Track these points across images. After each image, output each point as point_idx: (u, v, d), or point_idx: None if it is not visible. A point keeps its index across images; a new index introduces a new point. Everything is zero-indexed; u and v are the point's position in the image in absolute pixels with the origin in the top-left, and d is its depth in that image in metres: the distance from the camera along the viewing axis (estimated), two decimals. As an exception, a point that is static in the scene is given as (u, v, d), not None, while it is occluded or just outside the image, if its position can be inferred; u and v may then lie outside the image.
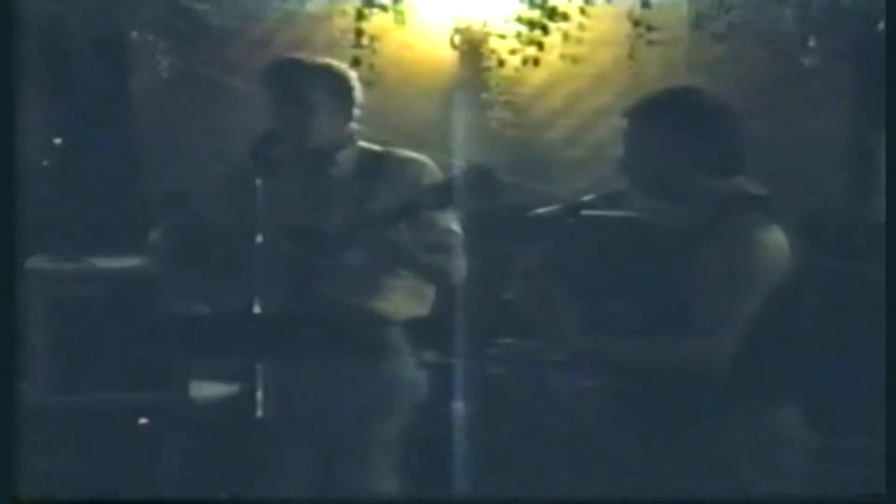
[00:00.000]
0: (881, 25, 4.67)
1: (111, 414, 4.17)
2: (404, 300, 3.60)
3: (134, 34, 5.83)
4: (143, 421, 4.15)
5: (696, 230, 2.91)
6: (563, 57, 5.65)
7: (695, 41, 5.48)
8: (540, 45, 5.64)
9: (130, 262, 4.22)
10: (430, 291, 3.62)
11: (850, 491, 3.37)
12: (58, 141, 4.67)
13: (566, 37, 5.62)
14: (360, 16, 5.73)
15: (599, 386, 3.11)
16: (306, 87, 3.55)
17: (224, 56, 5.88)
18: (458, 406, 3.44)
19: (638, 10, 5.55)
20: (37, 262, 4.37)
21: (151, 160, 5.88)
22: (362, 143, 3.65)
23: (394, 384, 3.61)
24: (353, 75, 3.65)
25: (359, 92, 3.63)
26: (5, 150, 3.06)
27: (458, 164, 3.40)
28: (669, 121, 2.96)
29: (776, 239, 2.88)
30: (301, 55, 3.77)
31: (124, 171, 5.82)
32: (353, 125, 3.62)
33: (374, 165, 3.61)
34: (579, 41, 5.62)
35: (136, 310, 4.05)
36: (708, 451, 2.86)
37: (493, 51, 5.70)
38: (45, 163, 5.22)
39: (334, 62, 3.65)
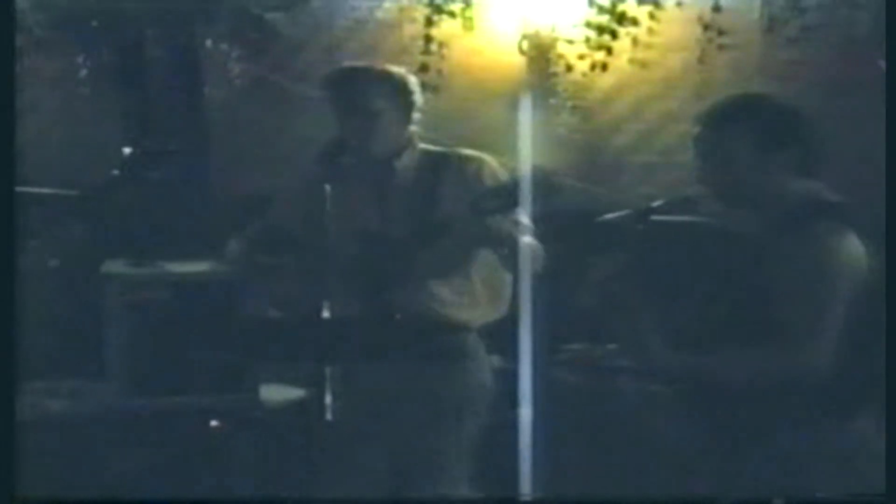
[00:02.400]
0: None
1: (185, 416, 4.20)
2: (472, 304, 3.59)
3: (208, 43, 5.89)
4: (214, 423, 4.19)
5: (772, 237, 2.88)
6: (631, 62, 5.64)
7: (767, 45, 5.46)
8: (608, 50, 5.63)
9: (203, 266, 4.28)
10: (497, 294, 3.61)
11: None
12: (127, 150, 4.72)
13: (635, 41, 5.61)
14: (428, 22, 5.76)
15: (672, 391, 3.07)
16: (369, 95, 3.56)
17: (294, 63, 5.93)
18: (526, 411, 3.44)
19: (709, 14, 5.52)
20: (114, 266, 4.43)
21: (224, 167, 5.94)
22: (423, 146, 3.66)
23: (463, 388, 3.60)
24: (413, 80, 3.66)
25: (419, 96, 3.64)
26: (5, 150, 2.97)
27: (525, 168, 3.40)
28: (745, 127, 2.94)
29: (854, 246, 2.85)
30: (362, 63, 3.80)
31: (198, 178, 5.88)
32: (414, 128, 3.63)
33: (436, 166, 3.62)
34: (648, 46, 5.61)
35: (211, 314, 4.09)
36: (789, 458, 2.82)
37: (560, 56, 5.70)
38: (115, 172, 5.30)
39: (395, 68, 3.66)
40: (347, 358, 3.39)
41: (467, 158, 3.61)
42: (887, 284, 2.79)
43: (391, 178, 3.59)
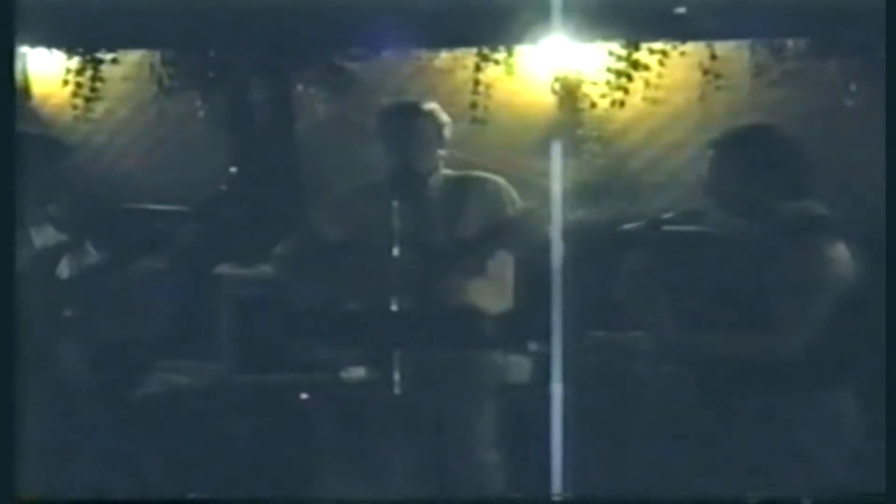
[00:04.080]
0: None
1: (279, 390, 4.21)
2: (490, 295, 3.54)
3: (299, 87, 5.96)
4: (304, 396, 4.18)
5: (769, 245, 2.85)
6: (644, 99, 5.61)
7: (755, 86, 5.41)
8: (625, 91, 5.61)
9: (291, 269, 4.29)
10: (506, 287, 3.57)
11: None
12: (233, 169, 4.77)
13: (647, 83, 5.59)
14: (477, 68, 5.77)
15: (683, 373, 3.04)
16: (411, 126, 3.55)
17: (368, 103, 5.94)
18: (557, 388, 3.40)
19: (707, 61, 5.50)
20: (223, 268, 4.46)
21: (310, 185, 5.98)
22: (445, 170, 3.61)
23: (497, 367, 3.58)
24: (445, 115, 3.63)
25: (449, 128, 3.61)
26: (5, 153, 2.78)
27: (557, 186, 3.39)
28: (749, 151, 2.93)
29: (840, 253, 2.82)
30: (408, 99, 3.80)
31: (289, 195, 5.92)
32: (442, 153, 3.60)
33: (459, 185, 3.59)
34: (658, 87, 5.59)
35: (300, 307, 4.02)
36: (781, 427, 2.79)
37: (586, 95, 5.70)
38: (224, 188, 5.35)
39: (433, 104, 3.63)
40: (404, 343, 3.39)
41: (483, 180, 3.59)
42: (887, 284, 2.75)
43: (427, 193, 3.55)
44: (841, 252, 2.84)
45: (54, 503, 3.34)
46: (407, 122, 3.56)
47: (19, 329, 3.05)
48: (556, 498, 3.20)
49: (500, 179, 3.59)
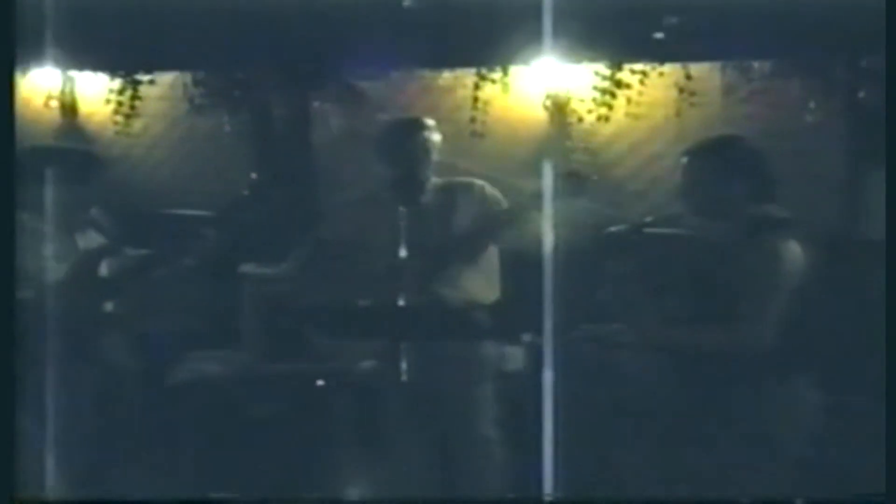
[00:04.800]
0: (861, 94, 4.61)
1: (298, 377, 4.19)
2: (480, 288, 3.52)
3: (315, 104, 5.96)
4: (320, 383, 4.17)
5: (736, 245, 2.85)
6: (626, 115, 5.63)
7: (725, 103, 5.44)
8: (609, 107, 5.64)
9: (308, 267, 4.27)
10: (493, 280, 3.54)
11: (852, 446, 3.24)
12: (254, 176, 4.79)
13: (629, 100, 5.60)
14: (476, 87, 5.79)
15: (660, 362, 3.04)
16: (412, 139, 3.52)
17: (377, 117, 5.93)
18: (548, 375, 3.41)
19: (683, 81, 5.52)
20: (247, 268, 4.44)
21: (325, 191, 5.98)
22: (435, 179, 3.58)
23: (494, 356, 3.56)
24: (436, 129, 3.58)
25: (439, 140, 3.56)
26: (6, 154, 2.63)
27: (548, 192, 3.39)
28: (719, 161, 2.92)
29: (795, 252, 2.83)
30: (407, 115, 3.80)
31: (305, 200, 5.92)
32: (432, 165, 3.57)
33: (448, 191, 3.57)
34: (638, 104, 5.60)
35: (316, 303, 3.98)
36: (745, 408, 2.80)
37: (574, 111, 5.71)
38: (246, 192, 5.39)
39: (428, 120, 3.60)
40: (408, 335, 3.38)
41: (467, 185, 3.57)
42: (887, 285, 2.73)
43: (425, 199, 3.53)
44: (797, 250, 2.85)
45: (54, 503, 3.18)
46: (408, 136, 3.54)
47: (65, 324, 3.06)
48: (547, 498, 3.20)
49: (482, 182, 3.57)
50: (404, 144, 3.54)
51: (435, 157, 3.57)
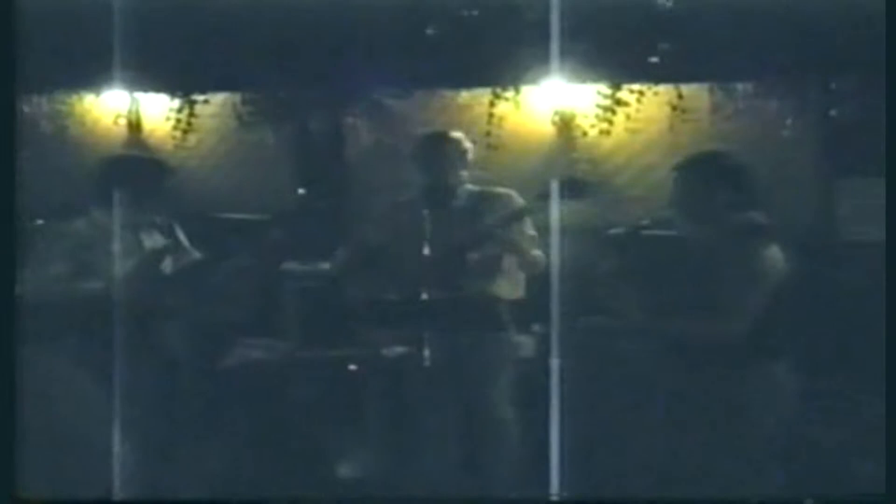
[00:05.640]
0: (831, 112, 4.60)
1: (333, 362, 4.23)
2: (504, 285, 3.56)
3: (349, 120, 5.96)
4: (352, 367, 4.21)
5: (721, 246, 2.86)
6: (625, 130, 5.59)
7: (713, 120, 5.38)
8: (610, 122, 5.59)
9: (343, 265, 4.27)
10: (517, 279, 3.57)
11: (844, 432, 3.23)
12: (301, 191, 4.79)
13: (628, 117, 5.56)
14: (491, 104, 5.75)
15: (653, 349, 3.06)
16: (444, 151, 3.58)
17: (404, 130, 5.94)
18: (555, 361, 3.41)
19: (675, 99, 5.48)
20: (290, 265, 4.44)
21: (358, 198, 5.99)
22: (469, 185, 3.63)
23: (508, 344, 3.60)
24: (468, 142, 3.65)
25: (471, 153, 3.63)
26: (6, 156, 2.49)
27: (555, 197, 3.39)
28: (705, 173, 2.94)
29: (775, 254, 2.84)
30: (439, 129, 3.82)
31: (341, 206, 5.94)
32: (465, 173, 3.62)
33: (479, 198, 3.61)
34: (636, 119, 5.55)
35: (350, 297, 4.02)
36: (728, 392, 2.81)
37: (578, 126, 5.67)
38: (289, 199, 5.40)
39: (459, 133, 3.66)
40: (432, 326, 3.40)
41: (498, 193, 3.61)
42: (887, 285, 2.70)
43: (452, 204, 3.57)
44: (776, 252, 2.87)
45: (54, 503, 3.01)
46: (435, 147, 3.58)
47: (131, 314, 3.08)
48: (553, 497, 3.20)
49: (512, 192, 3.61)
50: (436, 154, 3.58)
51: (466, 166, 3.60)
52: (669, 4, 4.94)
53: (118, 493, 3.03)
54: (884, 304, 2.66)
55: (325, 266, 4.37)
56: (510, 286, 3.58)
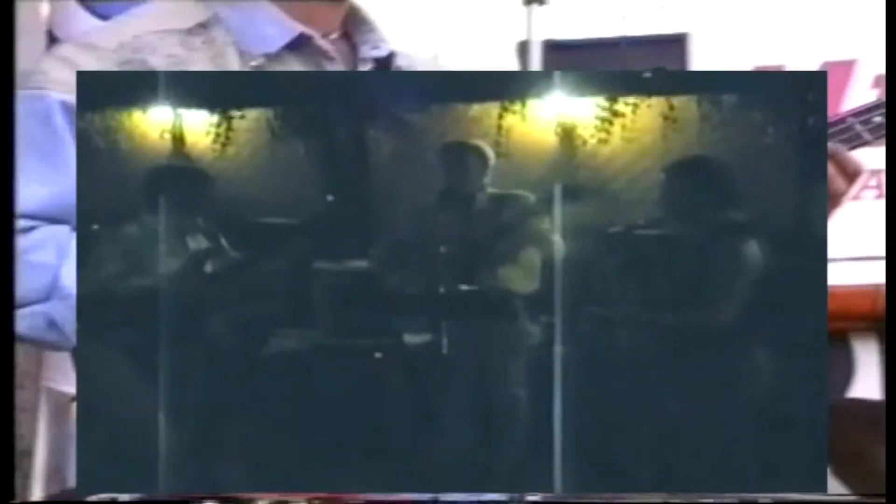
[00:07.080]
0: (809, 120, 4.67)
1: (360, 350, 4.30)
2: (518, 279, 3.65)
3: (371, 132, 6.00)
4: (377, 355, 4.28)
5: (706, 243, 3.05)
6: (621, 139, 5.60)
7: (702, 129, 5.39)
8: (608, 132, 5.65)
9: (367, 262, 4.35)
10: (533, 273, 3.62)
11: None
12: (330, 198, 4.89)
13: (623, 127, 5.55)
14: (499, 116, 5.85)
15: (648, 335, 3.21)
16: (467, 158, 3.73)
17: (421, 141, 5.99)
18: (559, 349, 3.48)
19: (667, 111, 5.49)
20: (320, 264, 4.54)
21: (381, 204, 6.04)
22: (491, 190, 3.72)
23: (516, 333, 3.69)
24: (490, 150, 3.78)
25: (492, 161, 3.75)
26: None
27: (557, 200, 3.47)
28: (693, 175, 3.17)
29: (753, 248, 3.01)
30: (463, 138, 3.89)
31: (367, 211, 5.99)
32: (487, 179, 3.72)
33: (499, 201, 3.71)
34: (631, 129, 5.57)
35: (374, 291, 4.13)
36: (712, 369, 2.97)
37: (579, 135, 5.68)
38: (320, 206, 5.46)
39: (481, 142, 3.80)
40: (449, 318, 3.61)
41: (516, 196, 3.70)
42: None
43: (473, 207, 3.70)
44: (754, 247, 2.99)
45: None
46: (461, 154, 3.73)
47: (177, 310, 3.17)
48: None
49: (528, 194, 3.70)
50: (458, 161, 3.74)
51: (488, 171, 3.71)
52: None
53: (164, 484, 3.02)
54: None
55: (353, 264, 4.54)
56: (525, 280, 3.67)
